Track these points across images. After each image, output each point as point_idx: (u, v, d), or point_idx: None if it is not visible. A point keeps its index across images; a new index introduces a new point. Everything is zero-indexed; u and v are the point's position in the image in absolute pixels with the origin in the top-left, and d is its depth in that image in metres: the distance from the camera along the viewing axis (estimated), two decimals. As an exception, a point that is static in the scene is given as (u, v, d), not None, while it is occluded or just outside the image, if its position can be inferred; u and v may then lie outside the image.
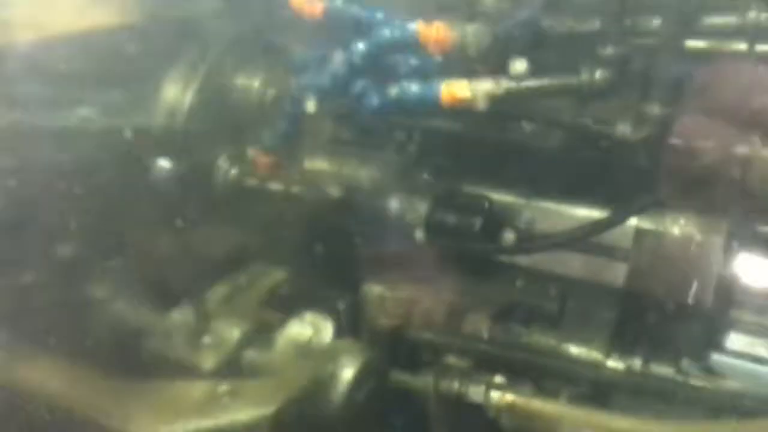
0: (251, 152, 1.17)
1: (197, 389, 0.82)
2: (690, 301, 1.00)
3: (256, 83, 1.19)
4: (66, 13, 1.09)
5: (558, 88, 0.86)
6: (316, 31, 1.07)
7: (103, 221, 1.06)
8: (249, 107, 1.19)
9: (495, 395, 0.93)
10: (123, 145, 1.10)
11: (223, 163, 1.19)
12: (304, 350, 0.93)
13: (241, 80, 1.20)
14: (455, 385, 0.95)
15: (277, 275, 1.11)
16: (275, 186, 1.19)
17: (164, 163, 1.10)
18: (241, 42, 1.20)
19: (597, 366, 0.97)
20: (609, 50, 0.84)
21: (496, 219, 1.07)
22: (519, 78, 0.85)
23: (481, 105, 0.85)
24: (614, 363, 0.97)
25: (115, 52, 1.11)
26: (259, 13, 1.19)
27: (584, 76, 0.85)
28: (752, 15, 0.82)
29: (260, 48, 1.20)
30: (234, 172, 1.19)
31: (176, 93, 1.16)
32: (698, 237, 1.01)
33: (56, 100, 1.06)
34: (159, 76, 1.15)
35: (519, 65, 0.84)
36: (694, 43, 0.87)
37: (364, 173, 1.18)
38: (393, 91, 0.91)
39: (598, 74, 0.85)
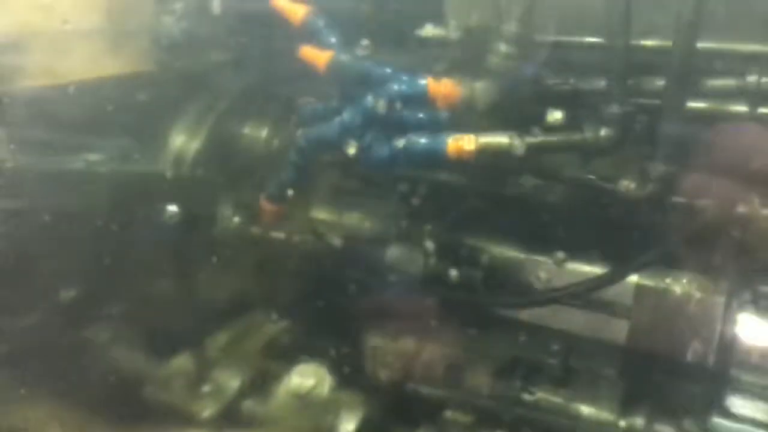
0: (257, 201, 1.18)
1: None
2: (690, 359, 0.99)
3: (262, 133, 1.21)
4: (79, 61, 1.11)
5: (562, 144, 0.88)
6: (324, 82, 1.09)
7: (106, 266, 1.06)
8: (255, 157, 1.21)
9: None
10: (129, 190, 1.11)
11: (227, 211, 1.20)
12: (305, 401, 0.92)
13: (247, 130, 1.22)
14: (456, 439, 0.94)
15: (277, 324, 1.11)
16: (277, 235, 1.19)
17: (170, 209, 1.11)
18: (248, 92, 1.22)
19: (599, 424, 0.96)
20: (613, 109, 0.86)
21: (497, 272, 1.08)
22: (523, 134, 0.86)
23: (486, 159, 0.86)
24: (617, 421, 0.96)
25: (125, 100, 1.12)
26: (268, 64, 1.21)
27: (588, 134, 0.86)
28: (752, 78, 0.84)
29: (267, 98, 1.22)
30: (237, 220, 1.20)
31: (183, 141, 1.18)
32: (699, 295, 1.01)
33: (66, 145, 1.08)
34: (167, 124, 1.17)
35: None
36: (695, 104, 0.88)
37: (366, 224, 1.19)
38: (401, 143, 0.92)
39: (603, 132, 0.86)
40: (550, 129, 0.87)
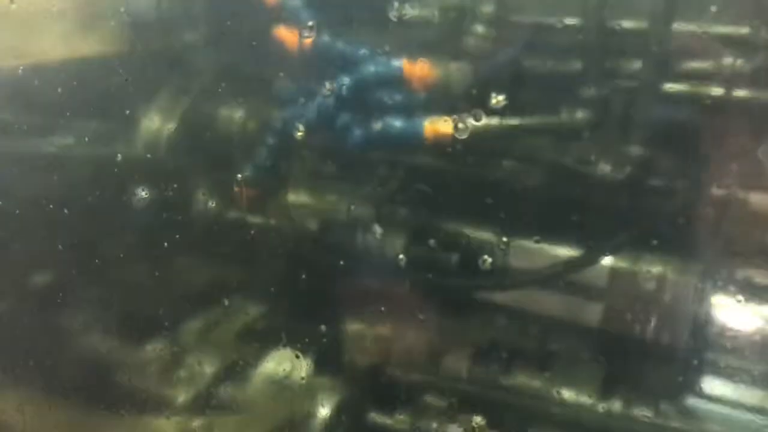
0: (233, 184, 1.16)
1: (171, 425, 0.81)
2: (665, 342, 1.00)
3: (238, 115, 1.20)
4: (50, 42, 1.09)
5: (538, 127, 0.87)
6: (300, 63, 1.08)
7: (79, 250, 1.04)
8: (231, 139, 1.19)
9: (473, 436, 0.92)
10: (102, 173, 1.10)
11: (203, 194, 1.18)
12: (280, 387, 0.91)
13: (223, 112, 1.20)
14: (433, 425, 0.94)
15: (253, 309, 1.10)
16: (254, 219, 1.18)
17: (143, 193, 1.10)
18: (223, 73, 1.20)
19: (576, 407, 0.96)
20: (590, 91, 0.85)
21: (474, 255, 1.07)
22: (501, 116, 0.85)
23: (463, 143, 0.85)
24: (593, 404, 0.97)
25: (97, 82, 1.10)
26: (243, 44, 1.19)
27: (565, 116, 0.86)
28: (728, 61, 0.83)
29: (243, 79, 1.20)
30: (214, 203, 1.19)
31: (158, 123, 1.16)
32: (672, 278, 1.01)
33: (37, 127, 1.06)
34: (141, 105, 1.15)
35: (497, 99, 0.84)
36: (671, 86, 0.88)
37: (343, 207, 1.18)
38: (377, 126, 0.91)
39: (579, 114, 0.86)
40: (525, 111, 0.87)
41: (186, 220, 1.17)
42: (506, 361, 1.05)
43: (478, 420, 0.96)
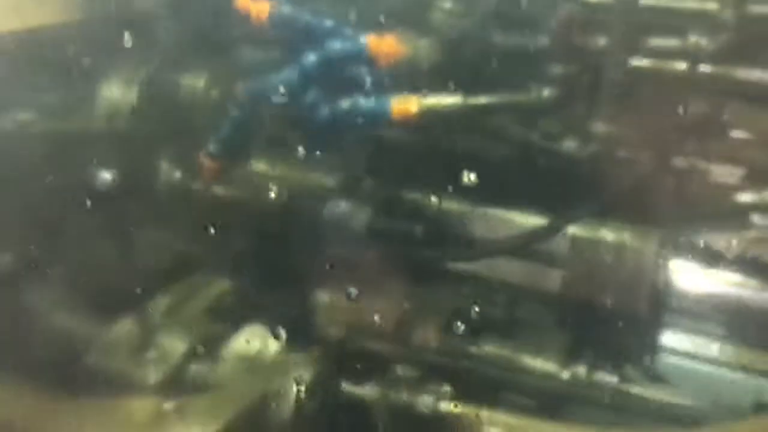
0: (197, 156, 1.15)
1: (143, 407, 0.81)
2: (625, 307, 1.03)
3: (200, 83, 1.17)
4: (1, 12, 1.05)
5: (506, 104, 0.87)
6: (262, 35, 1.06)
7: (42, 229, 1.02)
8: (194, 108, 1.17)
9: (443, 405, 0.93)
10: (63, 148, 1.07)
11: (166, 166, 1.16)
12: (252, 364, 0.92)
13: (185, 80, 1.17)
14: (404, 395, 0.96)
15: (221, 284, 1.09)
16: (219, 191, 1.17)
17: (105, 167, 1.08)
18: (185, 41, 1.17)
19: (544, 375, 0.99)
20: (557, 68, 0.86)
21: (440, 226, 1.08)
22: (468, 94, 0.85)
23: (431, 121, 0.85)
24: (559, 372, 0.99)
25: (54, 52, 1.07)
26: (204, 12, 1.16)
27: (532, 93, 0.86)
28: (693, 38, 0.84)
29: (205, 48, 1.18)
30: (178, 175, 1.17)
31: (117, 94, 1.13)
32: (632, 244, 1.03)
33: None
34: (100, 76, 1.12)
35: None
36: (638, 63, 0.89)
37: (310, 178, 1.17)
38: (344, 104, 0.91)
39: (546, 92, 0.86)
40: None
41: (150, 193, 1.16)
42: (474, 330, 1.07)
43: (447, 389, 0.98)
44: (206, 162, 1.13)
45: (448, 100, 0.86)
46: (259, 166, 1.17)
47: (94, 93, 1.13)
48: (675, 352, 1.09)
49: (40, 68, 1.07)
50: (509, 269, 1.08)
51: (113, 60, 1.14)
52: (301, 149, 1.09)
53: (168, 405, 0.81)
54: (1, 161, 1.01)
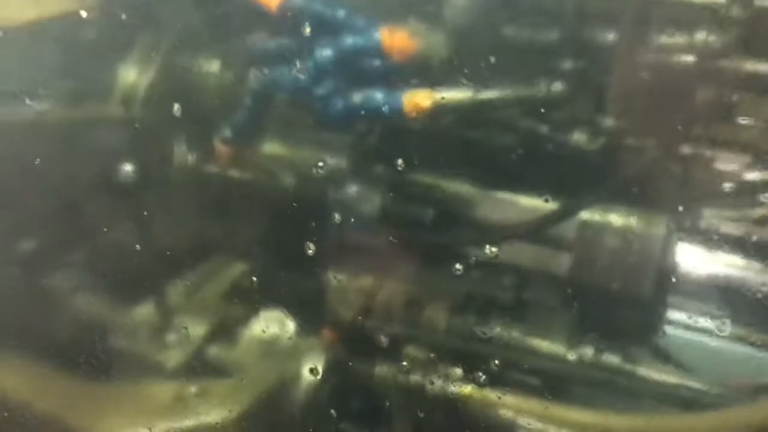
0: (211, 140, 1.17)
1: (166, 391, 0.84)
2: (631, 290, 1.05)
3: (214, 68, 1.19)
4: (18, 4, 1.07)
5: (516, 98, 0.89)
6: (274, 25, 1.07)
7: (63, 215, 1.05)
8: (208, 95, 1.18)
9: (455, 387, 0.96)
10: (80, 136, 1.10)
11: (181, 150, 1.18)
12: (269, 348, 0.95)
13: (198, 65, 1.19)
14: (414, 377, 0.99)
15: (238, 267, 1.12)
16: (234, 174, 1.19)
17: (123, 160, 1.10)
18: (198, 27, 1.18)
19: (551, 357, 1.02)
20: (566, 62, 0.87)
21: (450, 210, 1.10)
22: (479, 88, 0.87)
23: (443, 115, 0.87)
24: (567, 354, 1.02)
25: (72, 41, 1.09)
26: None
27: (541, 88, 0.87)
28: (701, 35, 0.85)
29: (218, 34, 1.19)
30: (192, 159, 1.19)
31: (134, 79, 1.15)
32: (640, 229, 1.05)
33: (11, 93, 1.05)
34: (115, 63, 1.14)
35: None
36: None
37: (320, 161, 1.19)
38: (357, 97, 0.92)
39: (554, 86, 0.87)
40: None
41: (166, 177, 1.18)
42: (484, 312, 1.09)
43: (457, 371, 1.01)
44: (220, 147, 1.16)
45: (460, 94, 0.87)
46: (273, 149, 1.19)
47: (111, 79, 1.15)
48: (687, 333, 1.11)
49: (58, 57, 1.09)
50: (519, 253, 1.10)
51: (130, 47, 1.16)
52: (313, 135, 1.10)
53: (190, 390, 0.84)
54: (20, 149, 1.04)
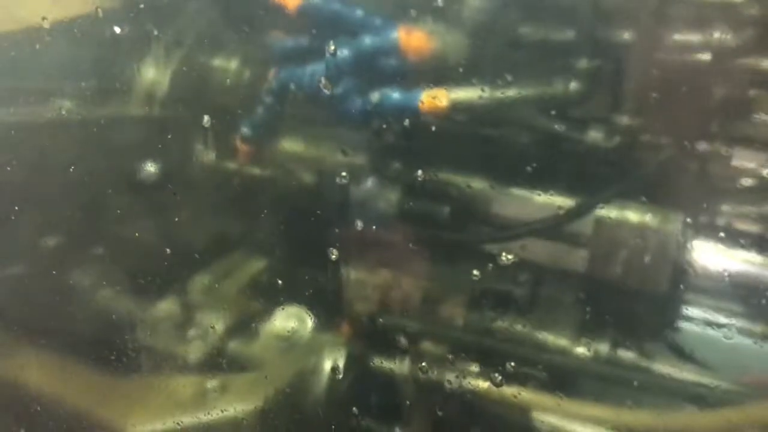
0: (231, 139, 1.18)
1: (188, 385, 0.86)
2: (647, 286, 1.05)
3: (233, 65, 1.20)
4: (39, 4, 1.08)
5: (531, 99, 0.89)
6: (292, 23, 1.08)
7: (85, 213, 1.07)
8: (227, 91, 1.20)
9: (469, 382, 0.97)
10: (103, 134, 1.11)
11: (200, 147, 1.20)
12: (288, 343, 0.96)
13: (217, 63, 1.20)
14: (431, 372, 1.00)
15: (256, 263, 1.14)
16: (253, 171, 1.21)
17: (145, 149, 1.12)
18: (217, 25, 1.20)
19: (565, 352, 1.02)
20: (582, 61, 0.87)
21: (467, 207, 1.11)
22: (495, 87, 0.88)
23: (459, 114, 0.87)
24: (582, 349, 1.02)
25: (94, 39, 1.11)
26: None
27: (558, 87, 0.88)
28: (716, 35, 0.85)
29: (237, 32, 1.20)
30: (212, 156, 1.21)
31: (154, 77, 1.16)
32: (655, 225, 1.06)
33: (35, 93, 1.07)
34: (139, 60, 1.16)
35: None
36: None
37: (339, 159, 1.20)
38: (374, 96, 0.93)
39: (572, 85, 0.88)
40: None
41: (187, 175, 1.20)
42: (500, 308, 1.10)
43: (473, 367, 1.02)
44: (240, 145, 1.17)
45: (477, 93, 0.88)
46: (292, 147, 1.21)
47: (132, 79, 1.17)
48: (703, 330, 1.11)
49: (80, 57, 1.11)
50: (535, 249, 1.10)
51: (151, 43, 1.17)
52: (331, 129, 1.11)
53: (212, 384, 0.86)
54: (44, 148, 1.06)
